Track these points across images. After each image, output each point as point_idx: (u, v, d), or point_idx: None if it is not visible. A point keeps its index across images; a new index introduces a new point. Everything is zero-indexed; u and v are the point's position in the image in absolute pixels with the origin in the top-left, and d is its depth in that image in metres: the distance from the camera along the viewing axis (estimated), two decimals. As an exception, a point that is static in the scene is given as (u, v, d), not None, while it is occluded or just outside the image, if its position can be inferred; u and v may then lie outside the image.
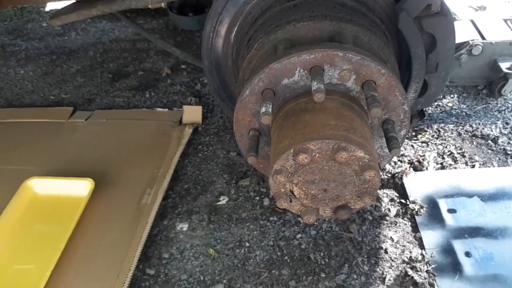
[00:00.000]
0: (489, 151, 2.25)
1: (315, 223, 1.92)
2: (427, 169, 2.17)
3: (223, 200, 2.09)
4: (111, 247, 1.87)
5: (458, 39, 2.40)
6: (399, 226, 1.93)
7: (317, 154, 1.27)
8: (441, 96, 2.59)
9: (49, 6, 3.76)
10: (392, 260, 1.80)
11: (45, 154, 2.33)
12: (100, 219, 1.99)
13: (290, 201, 1.38)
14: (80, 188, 2.04)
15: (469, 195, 2.02)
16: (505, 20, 2.64)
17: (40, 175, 2.12)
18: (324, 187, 1.35)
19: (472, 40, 2.46)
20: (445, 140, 2.32)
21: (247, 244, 1.90)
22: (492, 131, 2.36)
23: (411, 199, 2.01)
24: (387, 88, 1.38)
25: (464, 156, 2.22)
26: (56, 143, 2.40)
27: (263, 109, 1.32)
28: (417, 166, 2.18)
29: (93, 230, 1.94)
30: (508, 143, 2.28)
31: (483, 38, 2.49)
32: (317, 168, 1.31)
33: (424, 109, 1.89)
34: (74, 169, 2.20)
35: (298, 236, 1.91)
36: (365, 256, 1.82)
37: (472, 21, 2.61)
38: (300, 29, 1.48)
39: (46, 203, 2.05)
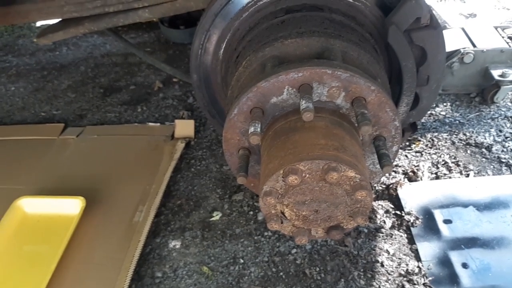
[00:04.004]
0: (483, 159, 2.24)
1: (310, 237, 1.90)
2: (421, 179, 2.15)
3: (217, 216, 2.07)
4: (103, 266, 1.84)
5: (450, 47, 2.42)
6: (395, 238, 1.91)
7: (307, 175, 1.25)
8: (434, 105, 2.58)
9: (41, 22, 3.74)
10: (389, 274, 1.78)
11: (36, 172, 2.30)
12: (91, 238, 1.96)
13: (281, 223, 1.36)
14: (71, 206, 2.01)
15: (465, 205, 2.00)
16: (496, 28, 2.64)
17: (30, 194, 2.10)
18: (316, 208, 1.33)
19: (463, 48, 2.46)
20: (439, 149, 2.31)
21: (242, 261, 1.87)
22: (485, 139, 2.35)
23: (406, 210, 1.99)
24: (377, 105, 1.36)
25: (458, 165, 2.21)
26: (46, 160, 2.38)
27: (252, 129, 1.30)
28: (412, 177, 2.17)
29: (84, 249, 1.92)
30: (502, 151, 2.27)
31: (474, 46, 2.49)
32: (308, 189, 1.28)
33: (416, 121, 1.87)
34: (65, 187, 2.17)
35: (293, 251, 1.89)
36: (361, 270, 1.80)
37: (463, 29, 2.61)
38: (288, 46, 1.46)
39: (36, 223, 2.02)
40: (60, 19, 2.02)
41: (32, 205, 2.05)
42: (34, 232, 1.99)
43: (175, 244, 1.96)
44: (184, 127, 2.48)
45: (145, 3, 1.86)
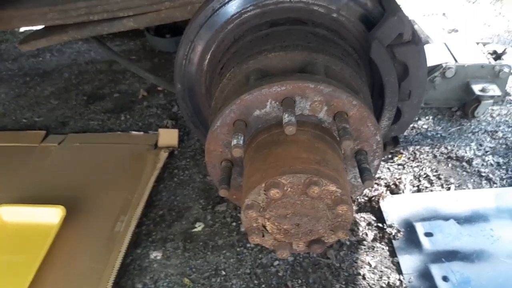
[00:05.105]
0: (464, 173, 2.27)
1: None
2: (403, 192, 2.17)
3: (199, 227, 2.05)
4: (83, 277, 1.81)
5: (432, 62, 2.46)
6: (377, 251, 1.92)
7: (289, 189, 1.25)
8: (417, 118, 2.61)
9: (24, 27, 3.71)
10: (370, 287, 1.79)
11: (16, 180, 2.26)
12: (71, 248, 1.93)
13: (263, 236, 1.36)
14: (50, 216, 1.98)
15: (446, 218, 2.03)
16: (477, 43, 2.69)
17: (9, 202, 2.06)
18: (297, 221, 1.32)
19: (445, 63, 2.50)
20: (421, 162, 2.33)
21: (223, 273, 1.86)
22: (466, 153, 2.38)
23: (388, 223, 2.01)
24: (359, 119, 1.37)
25: (440, 179, 2.24)
26: (27, 168, 2.34)
27: (234, 141, 1.29)
28: (394, 189, 2.19)
29: (63, 260, 1.89)
30: (482, 164, 2.31)
31: (456, 61, 2.54)
32: (289, 202, 1.28)
33: (398, 135, 1.89)
34: (46, 195, 2.14)
35: (276, 263, 1.88)
36: (343, 282, 1.80)
37: (446, 44, 2.66)
38: (272, 60, 1.47)
39: (15, 232, 1.99)
40: (43, 26, 2.00)
41: (10, 214, 2.02)
42: (12, 241, 1.96)
43: (156, 255, 1.94)
44: (168, 136, 2.47)
45: (130, 12, 1.86)
